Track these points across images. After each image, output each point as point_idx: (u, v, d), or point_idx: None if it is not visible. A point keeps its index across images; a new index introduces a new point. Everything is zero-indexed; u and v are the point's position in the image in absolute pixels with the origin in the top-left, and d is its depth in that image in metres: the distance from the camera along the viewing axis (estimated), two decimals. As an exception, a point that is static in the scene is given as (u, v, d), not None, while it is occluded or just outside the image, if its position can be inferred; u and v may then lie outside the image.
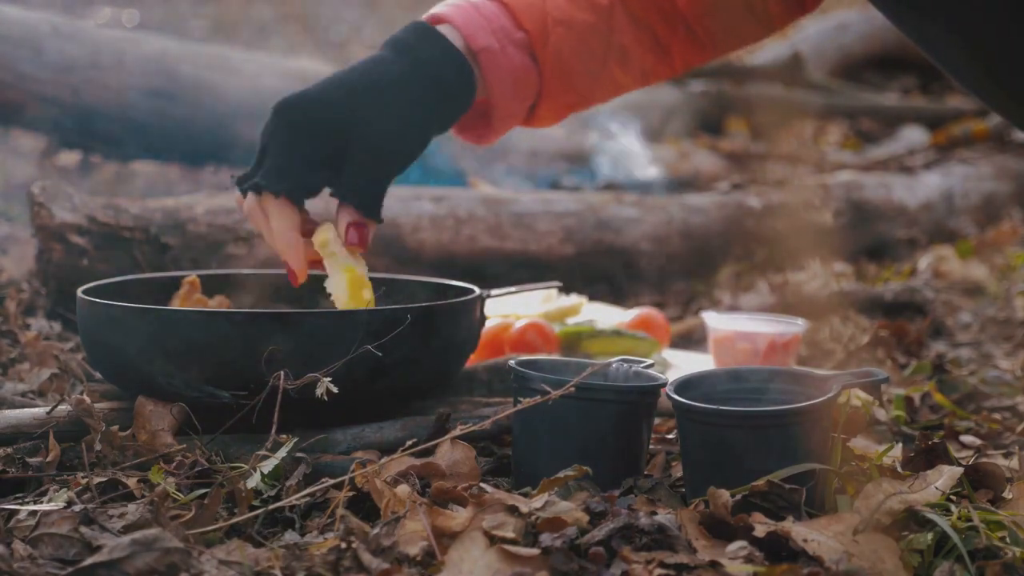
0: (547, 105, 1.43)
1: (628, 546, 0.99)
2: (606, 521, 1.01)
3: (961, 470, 1.12)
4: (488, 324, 1.73)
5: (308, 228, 1.35)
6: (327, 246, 1.31)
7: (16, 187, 3.02)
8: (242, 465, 1.16)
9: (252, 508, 1.09)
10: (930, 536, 1.01)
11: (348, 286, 1.30)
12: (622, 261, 2.41)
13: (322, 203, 1.37)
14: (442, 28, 1.36)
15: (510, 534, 0.98)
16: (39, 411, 1.24)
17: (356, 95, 1.32)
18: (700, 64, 1.50)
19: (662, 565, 0.96)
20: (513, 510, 1.02)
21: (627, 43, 1.42)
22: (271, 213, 1.30)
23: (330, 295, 1.32)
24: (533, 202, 2.35)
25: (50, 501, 1.08)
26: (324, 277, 1.54)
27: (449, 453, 1.18)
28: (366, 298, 1.31)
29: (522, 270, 2.26)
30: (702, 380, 1.21)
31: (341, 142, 1.31)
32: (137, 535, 0.93)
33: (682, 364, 1.78)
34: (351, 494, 1.10)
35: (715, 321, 1.78)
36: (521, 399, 1.17)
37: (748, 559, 0.97)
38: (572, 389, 1.13)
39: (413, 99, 1.34)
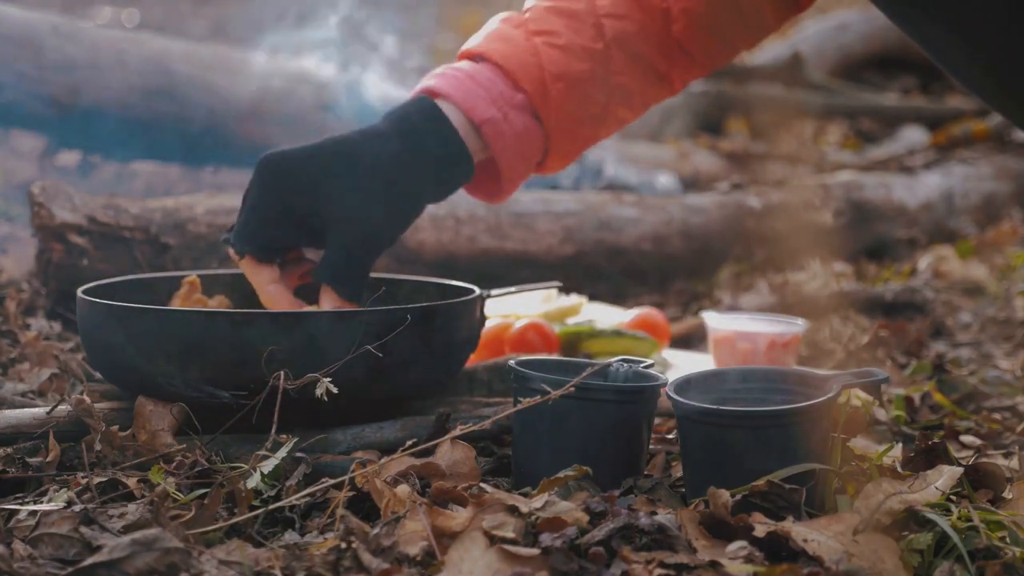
0: (555, 156, 1.43)
1: (628, 546, 0.99)
2: (606, 521, 1.01)
3: (961, 470, 1.12)
4: (488, 324, 1.73)
5: (306, 266, 1.36)
6: None
7: (16, 187, 3.02)
8: (242, 465, 1.16)
9: (252, 508, 1.09)
10: (930, 536, 1.01)
11: None
12: (622, 261, 2.41)
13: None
14: (440, 105, 1.35)
15: (510, 534, 0.98)
16: (39, 411, 1.24)
17: (341, 165, 1.31)
18: (698, 79, 1.50)
19: (662, 565, 0.96)
20: (513, 510, 1.02)
21: (627, 82, 1.41)
22: (246, 271, 1.33)
23: None
24: (533, 202, 2.35)
25: (50, 501, 1.08)
26: None
27: (449, 453, 1.18)
28: None
29: (522, 270, 2.26)
30: (702, 380, 1.21)
31: (319, 211, 1.31)
32: (137, 535, 0.93)
33: (682, 364, 1.78)
34: (351, 494, 1.10)
35: (715, 321, 1.78)
36: (521, 399, 1.17)
37: (748, 559, 0.97)
38: (572, 389, 1.13)
39: (407, 186, 1.33)
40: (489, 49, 1.38)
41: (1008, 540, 1.02)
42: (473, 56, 1.40)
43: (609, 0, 1.39)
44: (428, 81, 1.38)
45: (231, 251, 1.34)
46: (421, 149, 1.33)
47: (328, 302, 1.30)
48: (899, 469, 1.20)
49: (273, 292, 1.32)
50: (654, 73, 1.42)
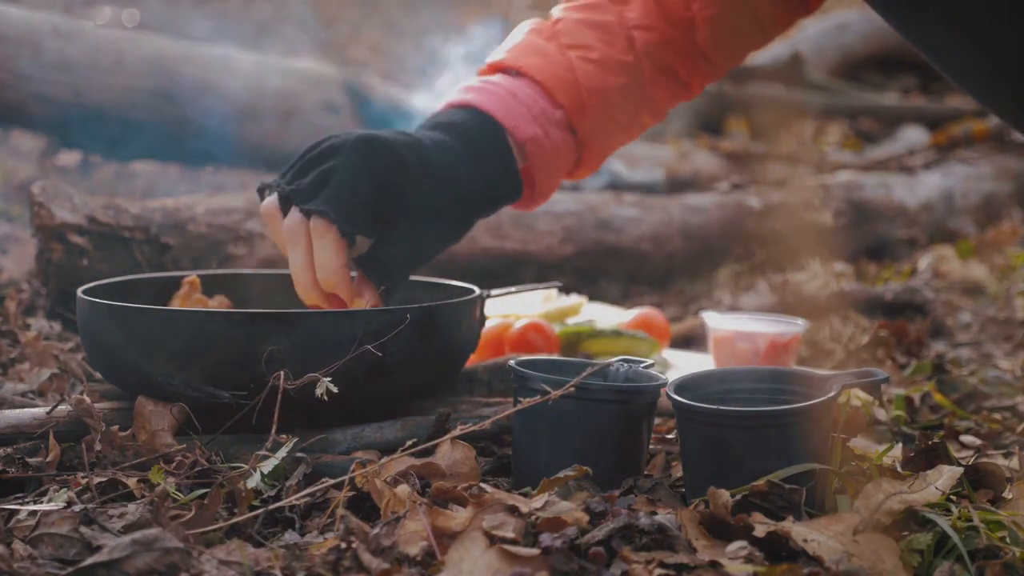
0: (585, 165, 1.45)
1: (628, 546, 0.99)
2: (606, 521, 1.01)
3: (961, 470, 1.12)
4: (488, 324, 1.73)
5: None
6: None
7: (16, 187, 3.02)
8: (242, 465, 1.16)
9: (252, 508, 1.09)
10: (930, 536, 1.01)
11: None
12: (622, 261, 2.41)
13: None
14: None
15: (510, 534, 0.98)
16: (39, 411, 1.24)
17: (430, 172, 1.31)
18: (713, 81, 1.51)
19: (662, 565, 0.96)
20: (513, 510, 1.02)
21: (655, 93, 1.43)
22: (323, 244, 1.25)
23: None
24: (533, 202, 2.35)
25: (50, 501, 1.08)
26: None
27: (449, 453, 1.18)
28: None
29: (522, 270, 2.26)
30: (702, 380, 1.21)
31: (399, 208, 1.29)
32: (137, 535, 0.93)
33: (682, 364, 1.78)
34: (351, 494, 1.10)
35: (715, 321, 1.78)
36: (521, 399, 1.17)
37: (748, 559, 0.97)
38: (572, 389, 1.13)
39: (470, 202, 1.35)
40: (526, 64, 1.38)
41: (1008, 540, 1.02)
42: (507, 70, 1.40)
43: (638, 12, 1.40)
44: (466, 95, 1.38)
45: (271, 203, 1.28)
46: (485, 168, 1.34)
47: (370, 295, 1.30)
48: (899, 469, 1.20)
49: (344, 275, 1.26)
50: (678, 82, 1.44)
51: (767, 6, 1.42)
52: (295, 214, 1.26)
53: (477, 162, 1.34)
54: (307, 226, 1.26)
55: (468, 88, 1.39)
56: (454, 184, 1.32)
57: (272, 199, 1.29)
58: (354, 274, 1.32)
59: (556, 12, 1.43)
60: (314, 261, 1.26)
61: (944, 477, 1.10)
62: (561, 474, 1.09)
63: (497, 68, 1.41)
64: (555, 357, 1.32)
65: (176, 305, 1.44)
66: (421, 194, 1.29)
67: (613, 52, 1.39)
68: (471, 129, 1.35)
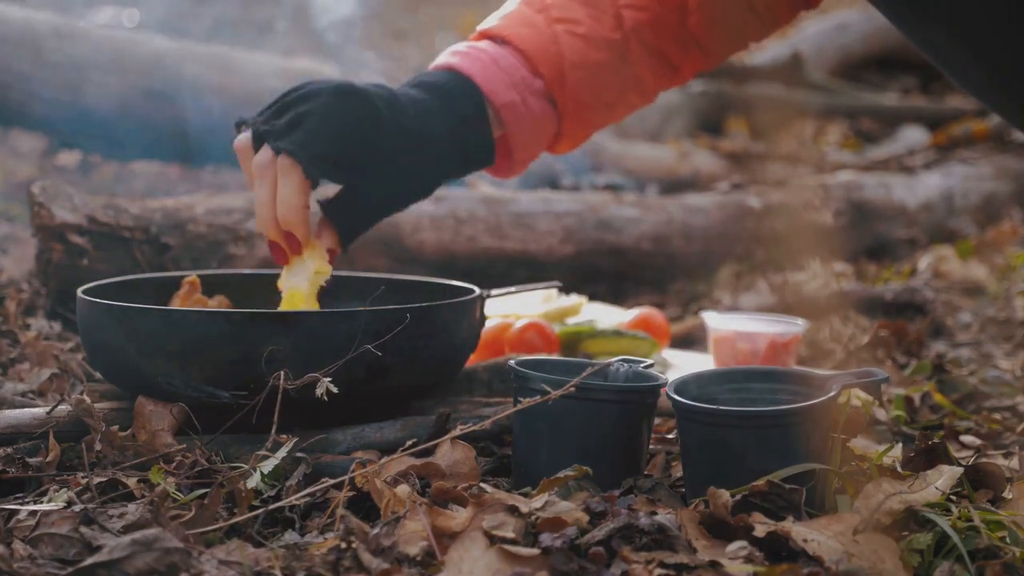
0: (566, 139, 1.46)
1: (628, 546, 0.99)
2: (606, 521, 1.01)
3: (961, 470, 1.12)
4: (488, 324, 1.73)
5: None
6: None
7: (16, 187, 3.02)
8: (242, 465, 1.16)
9: (252, 508, 1.09)
10: (930, 536, 1.01)
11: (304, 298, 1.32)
12: (622, 261, 2.41)
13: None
14: None
15: (510, 534, 0.98)
16: (39, 411, 1.24)
17: (403, 127, 1.32)
18: (707, 70, 1.51)
19: (662, 565, 0.96)
20: (513, 510, 1.02)
21: (643, 73, 1.43)
22: (287, 182, 1.28)
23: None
24: (533, 202, 2.35)
25: (50, 501, 1.08)
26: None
27: (449, 453, 1.18)
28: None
29: (522, 270, 2.26)
30: (702, 380, 1.21)
31: (366, 159, 1.31)
32: (137, 535, 0.93)
33: (682, 364, 1.78)
34: (351, 494, 1.10)
35: (715, 321, 1.78)
36: (521, 399, 1.17)
37: (748, 559, 0.97)
38: (572, 389, 1.13)
39: (441, 157, 1.36)
40: (512, 33, 1.40)
41: (1008, 540, 1.02)
42: (494, 37, 1.41)
43: None
44: (451, 59, 1.40)
45: (244, 138, 1.31)
46: (459, 129, 1.36)
47: (328, 237, 1.33)
48: (899, 469, 1.20)
49: (303, 213, 1.28)
50: (668, 64, 1.44)
51: None
52: (266, 151, 1.29)
53: (451, 122, 1.35)
54: (275, 164, 1.29)
55: (454, 52, 1.41)
56: (426, 142, 1.34)
57: (246, 135, 1.33)
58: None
59: None
60: (277, 198, 1.29)
61: (944, 477, 1.10)
62: (561, 474, 1.09)
63: (485, 35, 1.43)
64: (555, 357, 1.32)
65: (176, 305, 1.44)
66: (391, 148, 1.32)
67: (600, 28, 1.40)
68: (450, 90, 1.37)
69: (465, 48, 1.41)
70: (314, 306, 1.33)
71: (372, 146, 1.31)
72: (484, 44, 1.41)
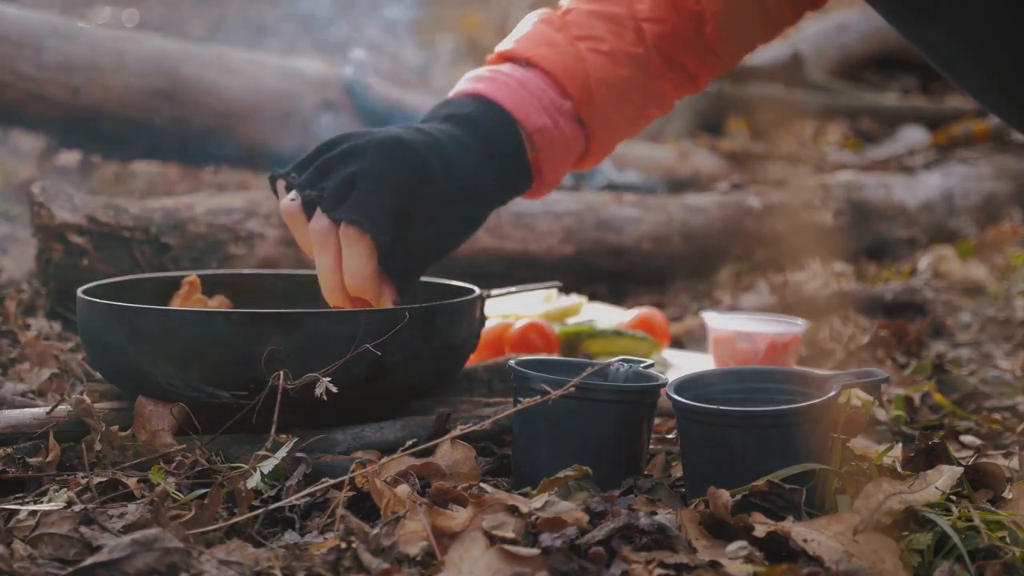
0: (591, 156, 1.45)
1: (628, 546, 0.99)
2: (606, 521, 1.01)
3: (961, 470, 1.12)
4: (488, 324, 1.73)
5: None
6: None
7: (16, 187, 3.02)
8: (242, 465, 1.16)
9: (252, 508, 1.09)
10: (930, 536, 1.01)
11: None
12: (622, 261, 2.41)
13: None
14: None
15: (510, 534, 0.98)
16: (39, 411, 1.24)
17: (451, 174, 1.30)
18: (718, 76, 1.51)
19: (662, 565, 0.96)
20: (513, 510, 1.02)
21: (663, 86, 1.43)
22: (355, 252, 1.25)
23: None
24: (533, 202, 2.35)
25: (50, 501, 1.08)
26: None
27: (449, 453, 1.18)
28: None
29: (522, 270, 2.26)
30: (702, 380, 1.21)
31: (418, 211, 1.28)
32: (137, 535, 0.93)
33: (682, 364, 1.78)
34: (351, 494, 1.10)
35: (715, 321, 1.78)
36: (521, 399, 1.17)
37: (748, 559, 0.97)
38: (572, 389, 1.13)
39: (483, 196, 1.34)
40: (536, 54, 1.38)
41: (1008, 540, 1.02)
42: (517, 59, 1.40)
43: (648, 5, 1.40)
44: (476, 85, 1.37)
45: (294, 203, 1.27)
46: (499, 163, 1.34)
47: (389, 293, 1.29)
48: (899, 469, 1.20)
49: (375, 282, 1.26)
50: (685, 74, 1.44)
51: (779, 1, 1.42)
52: (323, 219, 1.25)
53: (492, 157, 1.34)
54: (336, 232, 1.25)
55: (478, 78, 1.38)
56: (470, 182, 1.32)
57: (295, 203, 1.28)
58: None
59: (566, 2, 1.43)
60: (343, 266, 1.26)
61: (944, 477, 1.10)
62: (561, 474, 1.09)
63: (506, 58, 1.41)
64: (555, 357, 1.32)
65: (176, 305, 1.44)
66: (442, 196, 1.29)
67: (623, 44, 1.39)
68: (485, 123, 1.34)
69: (488, 73, 1.38)
70: None
71: (424, 198, 1.28)
72: (507, 67, 1.39)
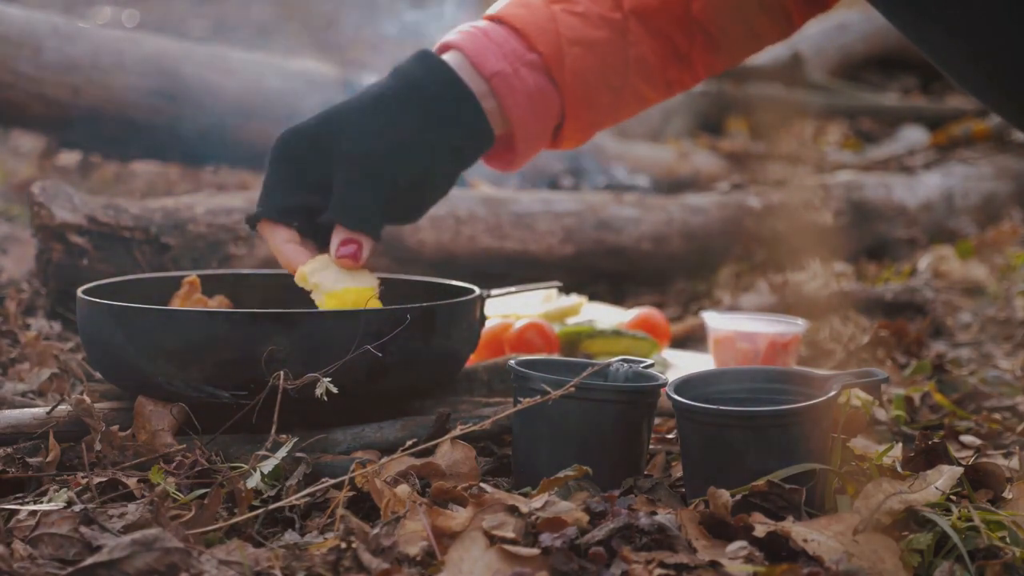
0: (572, 126, 1.43)
1: (628, 546, 0.99)
2: (606, 521, 1.01)
3: (961, 470, 1.12)
4: (488, 324, 1.73)
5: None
6: (306, 279, 1.31)
7: (16, 187, 3.02)
8: (242, 465, 1.16)
9: (252, 508, 1.09)
10: (930, 536, 1.01)
11: (352, 305, 1.30)
12: (622, 261, 2.41)
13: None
14: (449, 55, 1.36)
15: (510, 534, 0.98)
16: (39, 411, 1.24)
17: (342, 116, 1.34)
18: (723, 69, 1.49)
19: (662, 565, 0.96)
20: (513, 510, 1.02)
21: (646, 54, 1.41)
22: (265, 235, 1.34)
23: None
24: (533, 202, 2.35)
25: (50, 501, 1.08)
26: None
27: (449, 453, 1.18)
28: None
29: (522, 270, 2.26)
30: (702, 380, 1.21)
31: (327, 166, 1.32)
32: (137, 535, 0.93)
33: (682, 364, 1.77)
34: (351, 494, 1.10)
35: (715, 321, 1.78)
36: (521, 399, 1.17)
37: (748, 559, 0.97)
38: (572, 389, 1.13)
39: (403, 118, 1.34)
40: (507, 13, 1.39)
41: (1008, 540, 1.02)
42: (490, 19, 1.41)
43: None
44: (445, 37, 1.39)
45: (251, 226, 1.36)
46: (417, 85, 1.35)
47: (337, 236, 1.32)
48: (899, 469, 1.20)
49: (289, 250, 1.33)
50: (674, 50, 1.42)
51: None
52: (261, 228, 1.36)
53: (410, 86, 1.35)
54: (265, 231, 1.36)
55: (447, 35, 1.40)
56: (387, 111, 1.33)
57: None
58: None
59: None
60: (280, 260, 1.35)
61: (944, 477, 1.10)
62: (561, 474, 1.09)
63: (483, 19, 1.42)
64: (555, 357, 1.32)
65: (176, 305, 1.44)
66: (344, 135, 1.32)
67: (598, 8, 1.39)
68: (410, 62, 1.37)
69: (460, 27, 1.40)
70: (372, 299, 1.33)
71: (323, 157, 1.33)
72: (478, 23, 1.40)
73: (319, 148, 1.32)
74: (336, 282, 1.31)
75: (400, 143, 1.33)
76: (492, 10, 1.42)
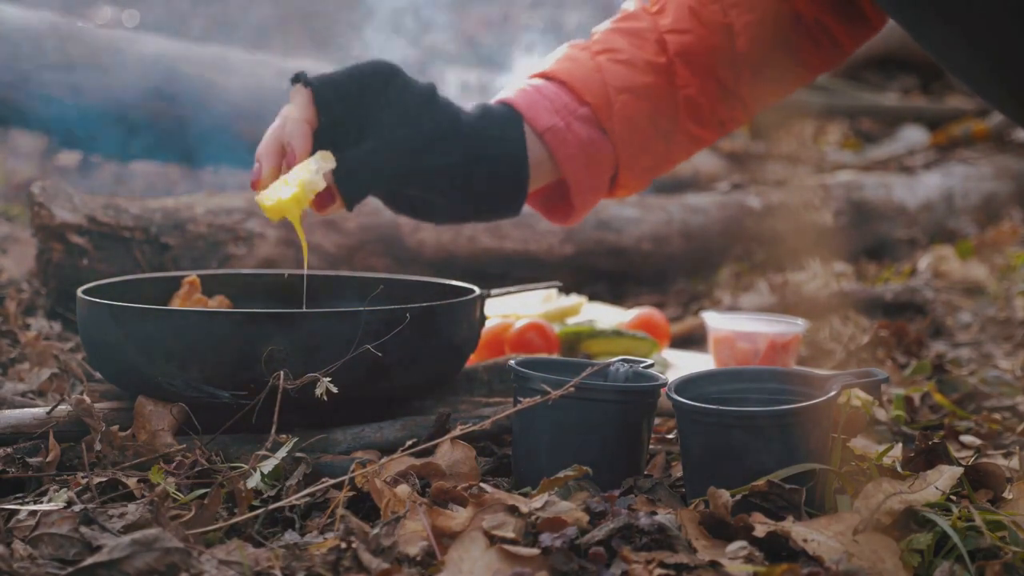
0: (627, 174, 1.44)
1: (628, 546, 0.99)
2: (606, 521, 1.01)
3: (961, 470, 1.12)
4: (488, 324, 1.73)
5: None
6: (262, 204, 1.28)
7: (16, 187, 3.02)
8: (242, 465, 1.16)
9: (252, 508, 1.09)
10: (930, 536, 1.01)
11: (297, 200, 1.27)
12: (622, 261, 2.41)
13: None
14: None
15: (510, 534, 0.98)
16: (39, 411, 1.24)
17: (430, 100, 1.33)
18: (774, 101, 1.49)
19: (662, 565, 0.96)
20: (513, 510, 1.02)
21: (694, 95, 1.42)
22: (293, 99, 1.32)
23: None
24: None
25: (50, 501, 1.08)
26: (322, 278, 1.54)
27: (449, 453, 1.18)
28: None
29: (522, 270, 2.26)
30: (702, 380, 1.21)
31: (379, 112, 1.32)
32: (137, 535, 0.93)
33: (682, 364, 1.78)
34: (351, 494, 1.10)
35: (715, 321, 1.78)
36: (521, 399, 1.17)
37: (748, 559, 0.97)
38: (572, 389, 1.13)
39: (468, 149, 1.34)
40: (554, 68, 1.41)
41: (1008, 540, 1.02)
42: (539, 76, 1.43)
43: (671, 18, 1.41)
44: (499, 95, 1.41)
45: (293, 81, 1.33)
46: (488, 121, 1.36)
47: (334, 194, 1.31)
48: (899, 469, 1.20)
49: (297, 129, 1.30)
50: (721, 87, 1.42)
51: (816, 14, 1.40)
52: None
53: (481, 123, 1.36)
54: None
55: (501, 92, 1.43)
56: (448, 119, 1.33)
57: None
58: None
59: (596, 29, 1.46)
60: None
61: (944, 477, 1.10)
62: (561, 474, 1.09)
63: (532, 77, 1.44)
64: (555, 357, 1.32)
65: (176, 305, 1.44)
66: (410, 107, 1.31)
67: (643, 54, 1.40)
68: (489, 108, 1.38)
69: (513, 84, 1.43)
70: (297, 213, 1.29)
71: (389, 103, 1.31)
72: (531, 81, 1.42)
73: (382, 83, 1.32)
74: (273, 192, 1.28)
75: (428, 143, 1.33)
76: (540, 67, 1.43)
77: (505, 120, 1.37)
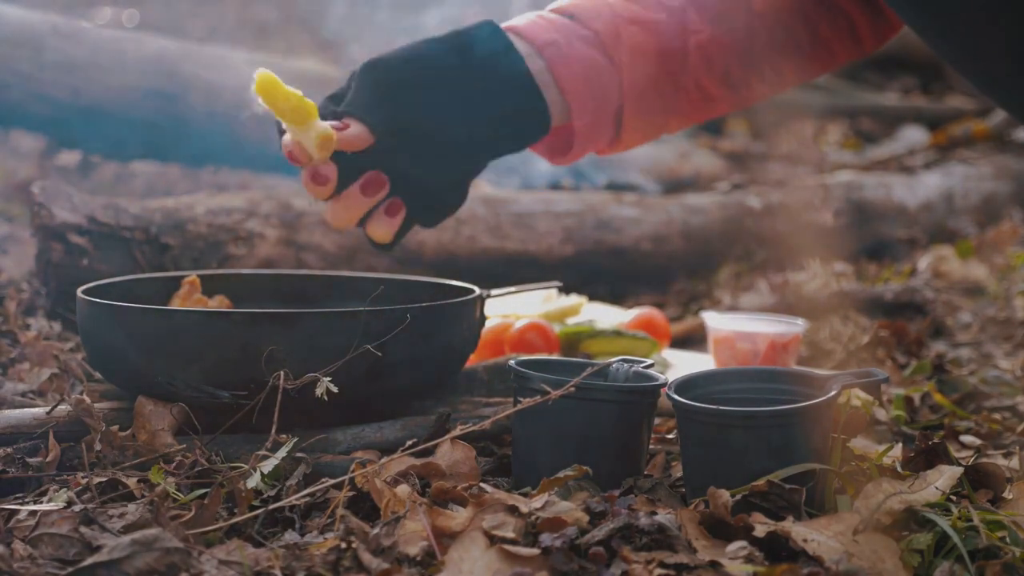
0: (632, 117, 1.38)
1: (628, 546, 0.99)
2: (606, 521, 1.01)
3: (961, 470, 1.12)
4: (488, 324, 1.73)
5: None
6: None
7: (16, 187, 3.02)
8: (242, 465, 1.16)
9: (252, 508, 1.09)
10: (930, 536, 1.01)
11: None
12: (622, 261, 2.41)
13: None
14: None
15: (510, 534, 0.98)
16: (39, 411, 1.24)
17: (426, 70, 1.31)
18: (794, 79, 1.45)
19: (662, 565, 0.96)
20: (513, 510, 1.02)
21: (705, 42, 1.37)
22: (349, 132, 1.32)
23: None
24: (533, 202, 2.35)
25: (50, 501, 1.08)
26: (322, 277, 1.54)
27: (449, 453, 1.18)
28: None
29: (522, 270, 2.26)
30: (702, 380, 1.21)
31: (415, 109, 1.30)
32: (137, 535, 0.93)
33: (682, 364, 1.77)
34: (351, 494, 1.10)
35: (715, 321, 1.78)
36: (521, 399, 1.17)
37: (748, 559, 0.97)
38: (572, 389, 1.13)
39: (465, 95, 1.31)
40: (562, 4, 1.37)
41: (1008, 540, 1.02)
42: (549, 11, 1.38)
43: None
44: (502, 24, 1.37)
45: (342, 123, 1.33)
46: (478, 57, 1.32)
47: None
48: (899, 469, 1.20)
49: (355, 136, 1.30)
50: (735, 44, 1.38)
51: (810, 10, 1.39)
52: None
53: (466, 49, 1.32)
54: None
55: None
56: (453, 85, 1.31)
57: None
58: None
59: None
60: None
61: (944, 477, 1.10)
62: (561, 474, 1.09)
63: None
64: (555, 357, 1.32)
65: (176, 305, 1.44)
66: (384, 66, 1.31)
67: None
68: (478, 35, 1.33)
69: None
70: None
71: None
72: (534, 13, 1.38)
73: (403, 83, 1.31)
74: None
75: (470, 140, 1.32)
76: (551, 5, 1.39)
77: (503, 47, 1.32)
